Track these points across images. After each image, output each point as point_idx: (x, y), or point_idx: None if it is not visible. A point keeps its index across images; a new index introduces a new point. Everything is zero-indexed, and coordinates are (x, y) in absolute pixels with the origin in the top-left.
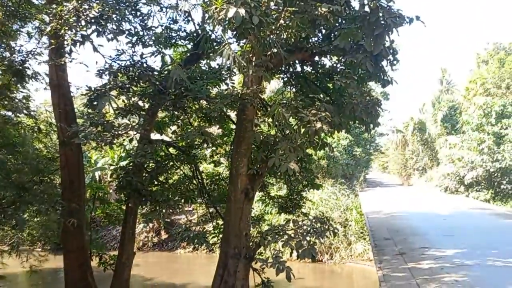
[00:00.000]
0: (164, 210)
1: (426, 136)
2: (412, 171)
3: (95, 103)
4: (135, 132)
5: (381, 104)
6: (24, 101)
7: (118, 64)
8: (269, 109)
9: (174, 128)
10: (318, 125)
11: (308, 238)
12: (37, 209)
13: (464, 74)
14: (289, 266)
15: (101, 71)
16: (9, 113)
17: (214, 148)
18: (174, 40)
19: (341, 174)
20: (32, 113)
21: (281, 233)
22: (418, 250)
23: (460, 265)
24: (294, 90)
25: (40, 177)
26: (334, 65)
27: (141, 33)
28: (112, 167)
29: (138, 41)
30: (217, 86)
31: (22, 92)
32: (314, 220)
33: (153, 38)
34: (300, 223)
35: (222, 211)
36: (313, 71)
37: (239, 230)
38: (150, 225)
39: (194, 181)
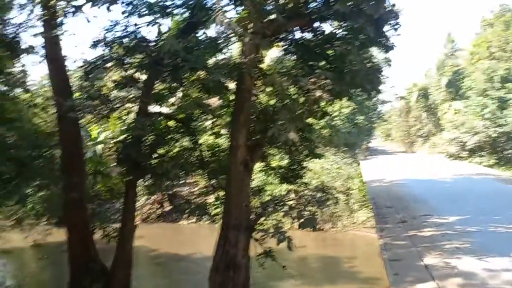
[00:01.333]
0: (167, 182)
1: (430, 102)
2: (416, 138)
3: (90, 76)
4: (132, 105)
5: (382, 71)
6: (20, 75)
7: (113, 35)
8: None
9: (173, 100)
10: (318, 93)
11: (309, 208)
12: (38, 184)
13: (470, 38)
14: (290, 236)
15: (95, 43)
16: (5, 88)
17: (214, 120)
18: (170, 9)
19: (343, 143)
20: (29, 87)
21: (282, 204)
22: (419, 218)
23: (461, 232)
24: (294, 58)
25: (39, 152)
26: (335, 31)
27: (135, 2)
28: (113, 141)
29: (133, 11)
30: (214, 56)
31: (18, 67)
32: (315, 190)
33: (148, 7)
34: (301, 193)
35: (223, 182)
36: (313, 38)
37: (240, 201)
38: (154, 197)
39: (194, 153)
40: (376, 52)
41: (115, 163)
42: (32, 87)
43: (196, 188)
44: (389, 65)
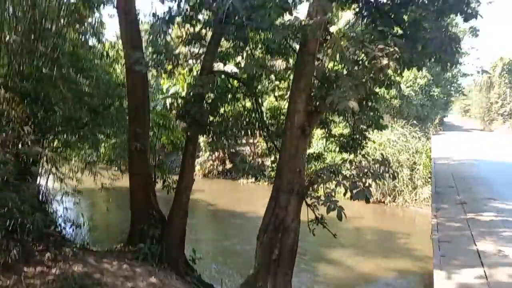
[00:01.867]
0: (225, 141)
1: None
2: (496, 116)
3: (154, 30)
4: (196, 62)
5: (459, 41)
6: (96, 26)
7: None
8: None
9: (238, 59)
10: (384, 61)
11: (364, 180)
12: (109, 132)
13: None
14: (341, 206)
15: None
16: (82, 38)
17: (277, 82)
18: None
19: (414, 115)
20: (103, 39)
21: (336, 172)
22: (481, 201)
23: None
24: (365, 22)
25: (110, 101)
26: None
27: None
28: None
29: None
30: (281, 17)
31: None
32: (373, 162)
33: None
34: (358, 163)
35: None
36: (387, 2)
37: (293, 166)
38: (216, 154)
39: (255, 115)
40: (461, 21)
41: (175, 118)
42: (111, 39)
43: (258, 149)
44: (476, 35)
